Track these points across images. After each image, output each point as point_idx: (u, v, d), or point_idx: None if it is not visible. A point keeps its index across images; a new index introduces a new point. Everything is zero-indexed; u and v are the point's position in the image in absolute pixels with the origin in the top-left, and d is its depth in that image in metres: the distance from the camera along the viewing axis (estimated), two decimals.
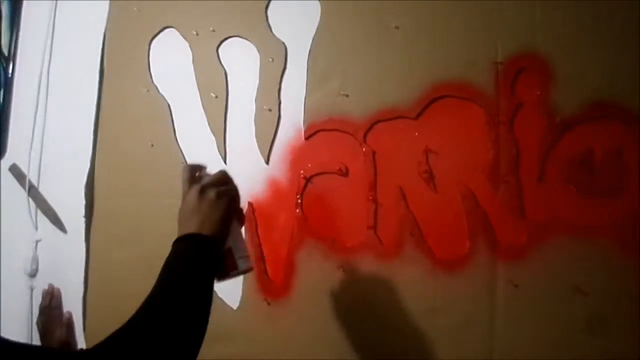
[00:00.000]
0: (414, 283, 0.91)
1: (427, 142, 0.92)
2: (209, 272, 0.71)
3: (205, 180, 0.78)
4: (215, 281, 0.74)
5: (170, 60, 1.19)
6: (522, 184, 0.86)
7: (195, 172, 0.81)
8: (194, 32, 1.15)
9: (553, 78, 0.86)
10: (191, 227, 0.73)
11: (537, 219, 0.85)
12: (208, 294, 0.69)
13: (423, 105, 0.93)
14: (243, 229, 1.02)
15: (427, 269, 0.90)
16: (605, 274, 0.81)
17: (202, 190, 0.76)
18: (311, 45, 1.03)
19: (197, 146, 1.14)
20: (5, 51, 1.47)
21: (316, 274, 0.98)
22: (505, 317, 0.85)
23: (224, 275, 0.76)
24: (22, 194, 1.37)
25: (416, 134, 0.93)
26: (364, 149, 0.97)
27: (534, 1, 0.87)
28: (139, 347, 0.60)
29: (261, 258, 1.03)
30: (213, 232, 0.73)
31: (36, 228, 1.36)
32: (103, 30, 1.28)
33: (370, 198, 0.95)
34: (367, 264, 0.95)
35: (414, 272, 0.91)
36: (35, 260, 1.34)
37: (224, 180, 0.79)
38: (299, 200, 1.01)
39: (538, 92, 0.86)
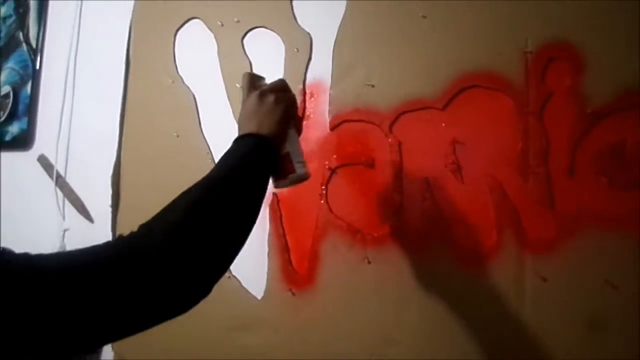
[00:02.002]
0: (439, 275, 0.90)
1: (455, 133, 0.91)
2: (263, 168, 0.73)
3: (264, 87, 0.81)
4: (274, 185, 0.78)
5: (196, 51, 1.19)
6: (551, 176, 0.85)
7: (254, 82, 0.83)
8: (219, 23, 1.15)
9: (584, 68, 0.84)
10: (249, 128, 0.75)
11: (567, 211, 0.83)
12: (260, 189, 0.71)
13: (450, 95, 0.91)
14: (267, 215, 1.03)
15: (453, 261, 0.89)
16: (637, 268, 0.79)
17: (262, 95, 0.78)
18: (337, 36, 1.02)
19: (222, 137, 1.13)
20: (33, 43, 1.49)
21: (341, 265, 0.98)
22: (534, 311, 0.84)
23: (282, 177, 0.78)
24: (50, 184, 1.39)
25: (443, 124, 0.92)
26: (389, 140, 0.96)
27: None
28: (185, 231, 0.60)
29: (285, 248, 1.03)
30: (271, 133, 0.74)
31: (64, 217, 1.39)
32: (129, 22, 1.29)
33: (396, 189, 0.95)
34: (393, 256, 0.94)
35: (440, 264, 0.90)
36: (62, 249, 1.37)
37: (282, 87, 0.81)
38: (324, 191, 1.01)
39: (569, 82, 0.84)
